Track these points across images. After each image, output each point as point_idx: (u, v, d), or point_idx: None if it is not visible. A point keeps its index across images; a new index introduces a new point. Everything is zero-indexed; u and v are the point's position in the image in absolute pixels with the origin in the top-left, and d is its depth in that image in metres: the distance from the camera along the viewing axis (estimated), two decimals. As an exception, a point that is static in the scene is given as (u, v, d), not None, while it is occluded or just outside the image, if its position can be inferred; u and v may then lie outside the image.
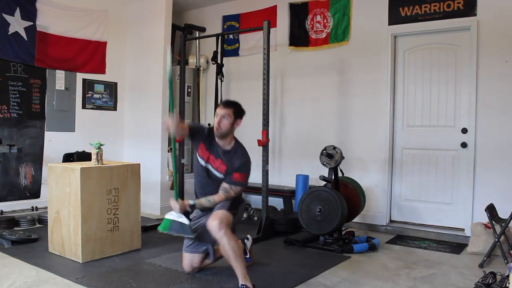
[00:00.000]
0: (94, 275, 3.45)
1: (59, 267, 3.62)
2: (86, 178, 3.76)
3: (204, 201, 3.34)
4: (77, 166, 3.83)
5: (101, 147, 4.02)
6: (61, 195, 3.90)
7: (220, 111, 3.31)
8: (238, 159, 3.32)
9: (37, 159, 5.45)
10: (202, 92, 6.73)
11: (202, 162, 3.40)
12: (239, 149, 3.38)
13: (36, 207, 5.37)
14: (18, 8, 5.16)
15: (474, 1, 4.63)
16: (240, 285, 3.01)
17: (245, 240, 3.77)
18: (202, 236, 3.35)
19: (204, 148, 3.39)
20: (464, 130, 4.77)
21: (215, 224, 3.00)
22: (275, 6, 6.02)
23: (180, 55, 6.09)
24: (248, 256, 3.74)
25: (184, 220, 3.24)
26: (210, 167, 3.38)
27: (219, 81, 5.94)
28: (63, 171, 3.89)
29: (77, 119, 5.88)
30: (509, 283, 3.05)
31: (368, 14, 5.29)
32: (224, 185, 3.31)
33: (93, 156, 4.01)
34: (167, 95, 6.07)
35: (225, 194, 3.29)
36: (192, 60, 6.68)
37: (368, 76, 5.31)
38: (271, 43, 4.94)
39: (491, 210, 4.02)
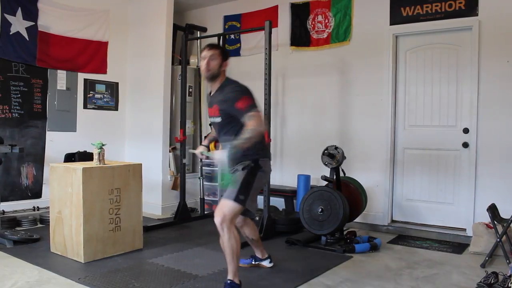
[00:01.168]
0: (96, 275, 3.45)
1: (61, 267, 3.63)
2: (88, 178, 3.76)
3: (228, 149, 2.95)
4: (79, 166, 3.83)
5: (103, 147, 4.02)
6: (63, 195, 3.90)
7: (206, 53, 3.13)
8: (227, 93, 3.08)
9: (38, 159, 5.46)
10: (204, 92, 6.73)
11: (211, 119, 3.29)
12: (226, 86, 3.14)
13: (37, 207, 5.38)
14: (19, 8, 5.17)
15: (476, 1, 4.63)
16: (227, 279, 3.03)
17: (264, 261, 3.77)
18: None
19: (211, 107, 3.23)
20: (466, 130, 4.77)
21: (217, 221, 2.96)
22: (276, 6, 6.02)
23: (181, 55, 6.09)
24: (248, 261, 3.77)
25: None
26: (212, 119, 3.24)
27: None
28: (65, 171, 3.90)
29: (79, 119, 5.89)
30: (511, 283, 3.05)
31: (370, 14, 5.29)
32: (245, 123, 2.95)
33: (95, 156, 4.01)
34: (168, 95, 6.09)
35: (247, 131, 2.89)
36: (193, 60, 6.69)
37: (369, 76, 5.31)
38: (273, 43, 4.93)
39: (493, 210, 4.02)
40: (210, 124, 6.24)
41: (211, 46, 3.19)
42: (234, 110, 3.01)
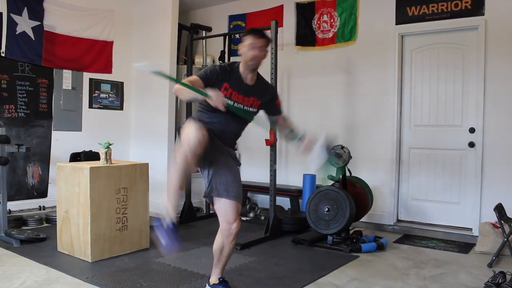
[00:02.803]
0: (104, 274, 3.46)
1: (68, 266, 3.64)
2: (95, 177, 3.77)
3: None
4: (86, 165, 3.84)
5: (110, 146, 4.03)
6: (70, 195, 3.91)
7: (258, 42, 2.82)
8: (269, 89, 3.11)
9: (44, 159, 5.47)
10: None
11: (230, 102, 2.85)
12: (262, 79, 3.04)
13: (43, 206, 5.39)
14: (25, 8, 5.18)
15: (482, 0, 4.62)
16: (220, 278, 3.03)
17: None
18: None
19: (228, 87, 2.86)
20: (472, 130, 4.76)
21: (236, 225, 2.85)
22: (282, 6, 6.03)
23: (186, 55, 6.09)
24: None
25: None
26: (241, 106, 2.90)
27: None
28: (72, 171, 3.90)
29: (84, 119, 5.90)
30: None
31: (375, 14, 5.29)
32: (281, 115, 3.08)
33: (102, 156, 4.02)
34: (173, 94, 6.07)
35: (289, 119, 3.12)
36: (198, 60, 6.68)
37: (375, 76, 5.30)
38: (278, 42, 4.94)
39: (499, 209, 4.01)
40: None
41: (262, 35, 2.87)
42: (272, 106, 3.06)
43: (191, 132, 2.50)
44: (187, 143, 2.51)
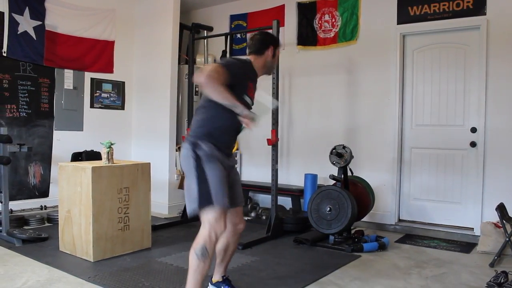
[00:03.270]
0: (106, 274, 3.46)
1: (70, 266, 3.64)
2: (97, 177, 3.77)
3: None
4: (88, 165, 3.84)
5: (111, 146, 4.03)
6: (72, 194, 3.91)
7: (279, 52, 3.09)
8: None
9: (45, 158, 5.47)
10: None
11: (249, 101, 2.82)
12: None
13: (45, 206, 5.40)
14: (27, 7, 5.19)
15: (484, 0, 4.62)
16: (224, 276, 3.08)
17: None
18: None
19: (252, 86, 2.86)
20: (473, 130, 4.76)
21: (242, 225, 3.00)
22: (283, 5, 6.02)
23: (188, 55, 6.09)
24: None
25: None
26: (249, 100, 2.86)
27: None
28: (74, 170, 3.90)
29: (85, 118, 5.90)
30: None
31: (377, 13, 5.28)
32: None
33: (104, 155, 4.02)
34: (174, 94, 6.09)
35: None
36: (199, 59, 6.68)
37: (376, 75, 5.30)
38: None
39: (501, 209, 4.01)
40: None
41: None
42: None
43: (219, 227, 2.66)
44: (215, 236, 2.66)
